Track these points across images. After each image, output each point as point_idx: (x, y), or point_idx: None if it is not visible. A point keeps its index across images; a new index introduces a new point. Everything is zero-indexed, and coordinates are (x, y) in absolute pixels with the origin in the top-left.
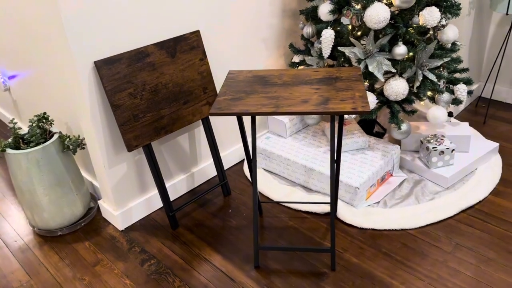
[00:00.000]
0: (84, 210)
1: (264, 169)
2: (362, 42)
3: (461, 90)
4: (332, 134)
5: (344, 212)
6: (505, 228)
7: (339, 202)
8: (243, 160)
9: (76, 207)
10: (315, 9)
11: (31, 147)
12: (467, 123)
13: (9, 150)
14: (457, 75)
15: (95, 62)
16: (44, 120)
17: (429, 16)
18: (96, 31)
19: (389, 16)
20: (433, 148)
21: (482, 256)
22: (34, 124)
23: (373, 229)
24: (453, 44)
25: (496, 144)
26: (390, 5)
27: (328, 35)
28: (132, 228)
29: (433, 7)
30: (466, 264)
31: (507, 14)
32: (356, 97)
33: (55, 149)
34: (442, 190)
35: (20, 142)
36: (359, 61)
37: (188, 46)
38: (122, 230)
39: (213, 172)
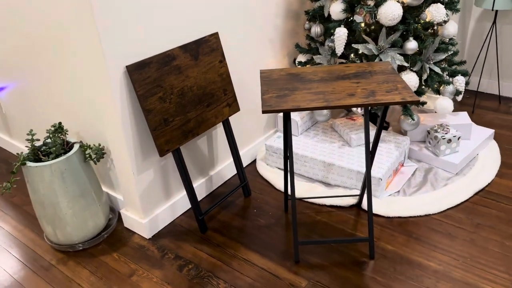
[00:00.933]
0: (106, 221)
1: (279, 168)
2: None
3: (460, 81)
4: (367, 127)
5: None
6: None
7: (358, 193)
8: (254, 161)
9: (99, 219)
10: (321, 8)
11: (52, 159)
12: (465, 112)
13: (30, 163)
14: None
15: (127, 67)
16: (60, 131)
17: (436, 12)
18: (126, 35)
19: (401, 13)
20: (441, 137)
21: (503, 233)
22: (51, 135)
23: (399, 217)
24: (450, 38)
25: (492, 131)
26: (401, 2)
27: (342, 33)
28: (159, 236)
29: (439, 4)
30: (491, 242)
31: (492, 9)
32: (399, 89)
33: (77, 160)
34: (452, 175)
35: (39, 154)
36: (373, 56)
37: (208, 49)
38: (150, 238)
39: (229, 174)
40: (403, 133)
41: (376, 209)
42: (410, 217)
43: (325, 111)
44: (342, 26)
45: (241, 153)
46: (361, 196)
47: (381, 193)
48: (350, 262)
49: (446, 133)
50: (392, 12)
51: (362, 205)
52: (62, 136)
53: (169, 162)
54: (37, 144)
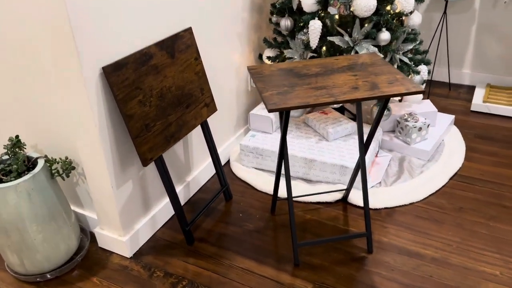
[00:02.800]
0: (78, 242)
1: (256, 168)
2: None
3: (423, 70)
4: (360, 120)
5: (354, 197)
6: (490, 187)
7: (343, 187)
8: (228, 162)
9: (71, 241)
10: (289, 1)
11: (14, 178)
12: (428, 100)
13: None
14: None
15: (103, 68)
16: (19, 145)
17: (406, 3)
18: (101, 32)
19: (376, 3)
20: (413, 125)
21: (486, 215)
22: (8, 151)
23: (385, 208)
24: (413, 28)
25: (452, 116)
26: None
27: (317, 25)
28: (141, 253)
29: None
30: (477, 224)
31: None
32: (400, 80)
33: (44, 177)
34: (425, 162)
35: None
36: (348, 49)
37: (184, 45)
38: (131, 256)
39: (204, 178)
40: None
41: (361, 202)
42: (396, 206)
43: None
44: (316, 18)
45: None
46: (348, 190)
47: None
48: (350, 259)
49: (416, 122)
50: (368, 3)
51: (349, 199)
52: (21, 151)
53: (147, 171)
54: None
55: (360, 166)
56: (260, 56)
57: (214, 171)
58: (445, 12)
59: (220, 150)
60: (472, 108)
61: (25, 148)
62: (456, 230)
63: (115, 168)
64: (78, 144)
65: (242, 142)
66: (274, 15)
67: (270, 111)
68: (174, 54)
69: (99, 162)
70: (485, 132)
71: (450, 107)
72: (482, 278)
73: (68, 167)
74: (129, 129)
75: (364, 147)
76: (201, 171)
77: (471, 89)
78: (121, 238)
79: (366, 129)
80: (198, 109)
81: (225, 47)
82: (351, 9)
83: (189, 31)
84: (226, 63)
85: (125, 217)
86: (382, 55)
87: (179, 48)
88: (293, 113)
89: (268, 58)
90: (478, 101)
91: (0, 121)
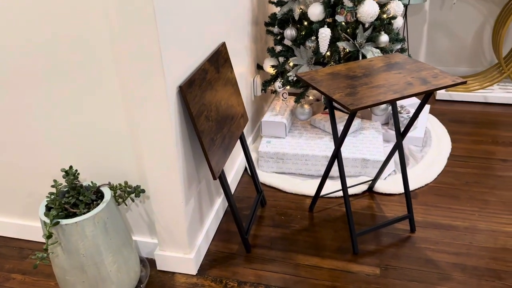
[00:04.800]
0: (140, 268)
1: (277, 172)
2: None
3: None
4: (396, 116)
5: (379, 186)
6: (481, 162)
7: (367, 179)
8: (245, 170)
9: (137, 267)
10: (291, 12)
11: (84, 210)
12: None
13: (64, 221)
14: None
15: (180, 86)
16: (74, 174)
17: (397, 7)
18: (179, 48)
19: (378, 9)
20: (407, 117)
21: (488, 185)
22: (68, 182)
23: None
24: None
25: (428, 106)
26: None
27: (328, 32)
28: (203, 268)
29: (397, 0)
30: (485, 194)
31: (408, 4)
32: (440, 73)
33: (114, 204)
34: (421, 148)
35: (68, 208)
36: (354, 52)
37: (223, 59)
38: (196, 273)
39: (233, 188)
40: (367, 118)
41: (387, 189)
42: (416, 189)
43: (306, 110)
44: (325, 26)
45: (236, 163)
46: (375, 180)
47: (383, 174)
48: (399, 240)
49: (408, 113)
50: (373, 10)
51: (375, 188)
52: (78, 182)
53: (202, 186)
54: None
55: (399, 154)
56: (258, 66)
57: (237, 180)
58: (405, 15)
59: (234, 159)
60: (437, 97)
61: (78, 176)
62: (471, 201)
63: (184, 186)
64: (146, 165)
65: (260, 149)
66: (276, 26)
67: (352, 111)
68: (219, 68)
69: (174, 181)
70: (455, 117)
71: (418, 98)
72: (509, 236)
73: (136, 192)
74: (202, 144)
75: (401, 135)
76: (230, 181)
77: None
78: (187, 256)
79: (371, 123)
80: (238, 120)
81: (238, 59)
82: (357, 16)
83: (224, 45)
84: (237, 74)
85: (190, 234)
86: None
87: (221, 62)
88: (301, 116)
89: (272, 66)
90: (441, 91)
91: (49, 148)
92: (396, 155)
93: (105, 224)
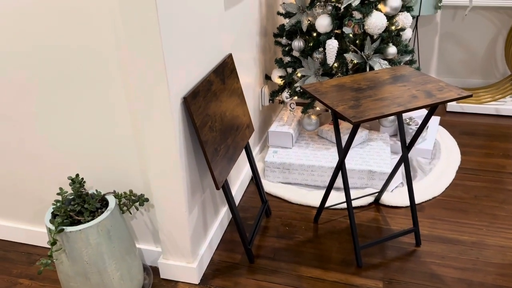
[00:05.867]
0: (143, 276)
1: (282, 183)
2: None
3: None
4: (402, 127)
5: (385, 198)
6: (491, 175)
7: (374, 191)
8: (251, 179)
9: (140, 275)
10: (299, 23)
11: (89, 217)
12: None
13: (69, 228)
14: None
15: (184, 98)
16: (80, 182)
17: (406, 19)
18: (183, 62)
19: (386, 22)
20: (415, 128)
21: (498, 199)
22: (74, 190)
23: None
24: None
25: (438, 118)
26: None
27: (334, 44)
28: (206, 277)
29: (405, 12)
30: (494, 208)
31: (419, 15)
32: (445, 86)
33: (118, 213)
34: (430, 160)
35: (72, 215)
36: (362, 64)
37: (229, 71)
38: (199, 283)
39: (238, 198)
40: (375, 129)
41: (393, 201)
42: (423, 202)
43: (313, 121)
44: (333, 37)
45: (242, 172)
46: (381, 192)
47: (390, 186)
48: (404, 254)
49: (416, 125)
50: (381, 22)
51: (381, 200)
52: (84, 189)
53: (206, 195)
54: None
55: (404, 167)
56: (266, 76)
57: (243, 190)
58: (416, 27)
59: (239, 170)
60: (448, 109)
61: (84, 184)
62: (480, 215)
63: (188, 195)
64: (150, 174)
65: (267, 159)
66: (284, 37)
67: (355, 123)
68: (224, 80)
69: (177, 189)
70: (467, 129)
71: (428, 109)
72: None
73: (141, 200)
74: (206, 153)
75: (407, 148)
76: (235, 191)
77: None
78: (190, 265)
79: (379, 135)
80: (243, 131)
81: (245, 70)
82: (365, 28)
83: (230, 57)
84: (245, 85)
85: (193, 243)
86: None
87: (227, 74)
88: (308, 127)
89: (280, 77)
90: (452, 102)
91: (57, 156)
92: (403, 167)
93: (109, 232)
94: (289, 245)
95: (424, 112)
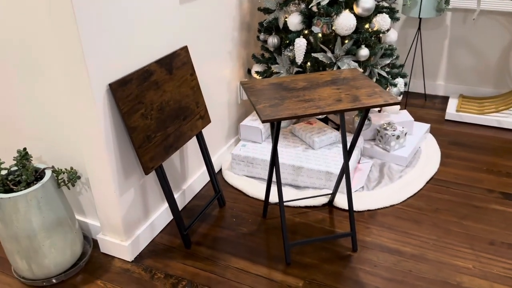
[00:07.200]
0: (81, 248)
1: (247, 176)
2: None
3: (400, 83)
4: (343, 129)
5: (339, 200)
6: (463, 189)
7: (329, 192)
8: (220, 170)
9: (76, 246)
10: (276, 20)
11: (23, 188)
12: (405, 110)
13: (1, 195)
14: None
15: (110, 85)
16: (27, 157)
17: (383, 21)
18: (107, 50)
19: (355, 23)
20: (391, 134)
21: (459, 214)
22: (18, 162)
23: (368, 210)
24: (390, 44)
25: (428, 125)
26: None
27: (302, 43)
28: (142, 256)
29: (384, 14)
30: (451, 223)
31: (419, 17)
32: (378, 92)
33: (52, 186)
34: (404, 168)
35: (8, 184)
36: (330, 64)
37: (180, 62)
38: (133, 260)
39: (199, 186)
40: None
41: (346, 205)
42: (378, 209)
43: None
44: (301, 36)
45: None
46: (333, 195)
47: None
48: (337, 257)
49: (394, 130)
50: (349, 23)
51: (334, 202)
52: (29, 163)
53: (147, 180)
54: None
55: (345, 171)
56: (249, 71)
57: (207, 179)
58: (419, 29)
59: (213, 159)
60: (446, 117)
61: (32, 160)
62: (432, 229)
63: (119, 177)
64: (84, 155)
65: (233, 151)
66: (262, 33)
67: (263, 122)
68: (172, 70)
69: (104, 171)
70: (458, 139)
71: (426, 116)
72: (456, 271)
73: (74, 176)
74: (132, 140)
75: (347, 154)
76: (195, 179)
77: (445, 99)
78: (123, 243)
79: (349, 138)
80: (194, 121)
81: (217, 63)
82: (333, 28)
83: (185, 49)
84: (219, 78)
85: (127, 223)
86: (362, 70)
87: (176, 65)
88: (282, 124)
89: (257, 72)
90: (451, 111)
91: (9, 134)
92: (375, 171)
93: (39, 202)
94: (230, 235)
95: (407, 118)
